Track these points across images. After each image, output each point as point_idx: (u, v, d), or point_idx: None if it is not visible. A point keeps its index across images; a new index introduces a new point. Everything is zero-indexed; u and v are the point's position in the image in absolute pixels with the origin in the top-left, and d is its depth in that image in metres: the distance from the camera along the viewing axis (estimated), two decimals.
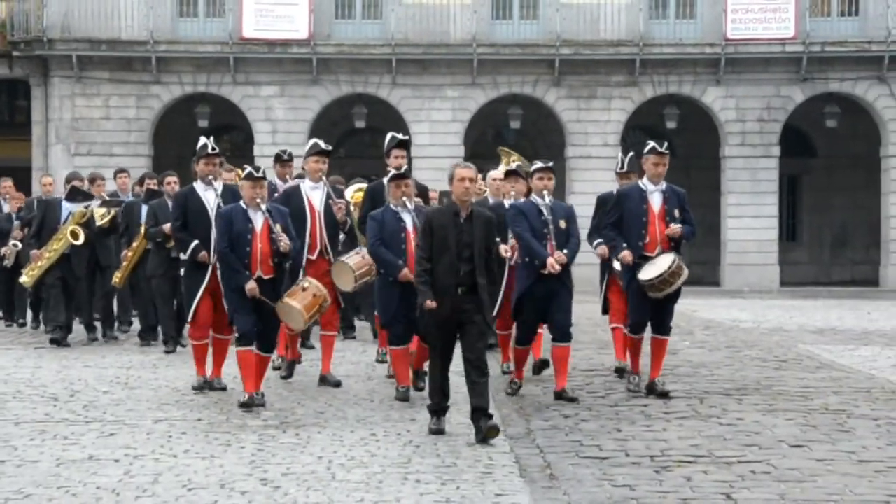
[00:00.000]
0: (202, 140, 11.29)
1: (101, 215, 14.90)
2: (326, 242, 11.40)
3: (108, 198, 15.50)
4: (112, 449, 8.49)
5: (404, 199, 10.46)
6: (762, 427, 9.39)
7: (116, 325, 15.83)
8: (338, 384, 11.35)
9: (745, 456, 8.34)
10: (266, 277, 10.17)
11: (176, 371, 12.45)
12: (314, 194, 11.42)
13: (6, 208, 17.44)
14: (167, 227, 13.05)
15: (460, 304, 8.89)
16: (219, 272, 10.60)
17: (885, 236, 30.66)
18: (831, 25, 30.30)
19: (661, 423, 9.60)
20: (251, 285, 10.02)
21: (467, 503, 7.01)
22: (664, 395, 10.66)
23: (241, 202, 10.32)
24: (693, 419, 9.77)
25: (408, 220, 10.43)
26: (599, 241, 11.91)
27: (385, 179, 11.07)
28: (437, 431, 8.99)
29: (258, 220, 10.18)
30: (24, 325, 17.07)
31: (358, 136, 32.39)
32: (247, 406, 9.99)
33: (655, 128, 31.40)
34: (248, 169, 10.44)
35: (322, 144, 11.55)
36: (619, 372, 11.90)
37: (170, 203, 13.16)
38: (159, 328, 14.73)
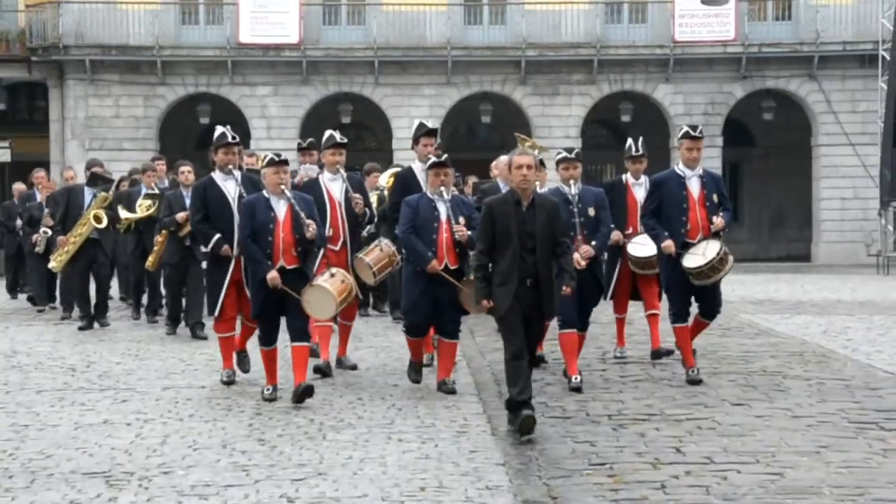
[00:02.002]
0: (219, 129, 9.93)
1: (147, 206, 13.92)
2: (348, 234, 10.12)
3: (156, 190, 14.16)
4: (124, 414, 8.47)
5: (442, 188, 9.10)
6: (707, 388, 9.41)
7: (143, 310, 14.71)
8: (353, 367, 10.30)
9: (692, 414, 8.36)
10: (290, 267, 8.84)
11: (181, 344, 12.40)
12: (333, 186, 10.15)
13: (38, 197, 16.70)
14: (181, 215, 12.24)
15: (526, 297, 7.76)
16: (242, 264, 9.39)
17: (815, 217, 30.78)
18: (767, 29, 30.32)
19: (617, 385, 9.61)
20: (272, 275, 8.70)
21: (445, 459, 7.01)
22: (696, 381, 9.43)
23: (264, 191, 8.99)
24: (646, 382, 9.79)
25: (442, 210, 9.08)
26: (611, 226, 10.24)
27: (416, 165, 10.14)
28: (528, 418, 7.52)
29: (281, 209, 8.85)
30: (54, 308, 16.00)
31: (344, 130, 31.64)
32: (272, 398, 8.77)
33: (612, 121, 31.46)
34: (270, 155, 9.14)
35: (338, 137, 10.26)
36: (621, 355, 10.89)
37: (184, 193, 12.49)
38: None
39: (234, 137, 9.77)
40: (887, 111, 26.88)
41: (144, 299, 14.73)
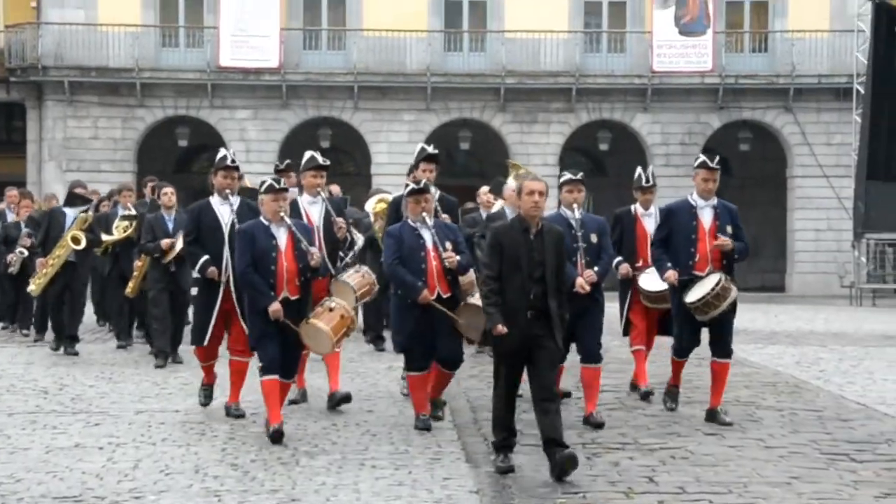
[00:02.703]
0: (221, 151, 9.65)
1: (124, 228, 13.71)
2: (326, 259, 9.42)
3: (132, 211, 13.94)
4: (97, 437, 8.40)
5: (424, 214, 8.69)
6: (681, 417, 9.42)
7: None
8: (347, 397, 9.63)
9: (665, 443, 8.37)
10: (293, 298, 8.38)
11: (154, 369, 12.30)
12: (312, 209, 9.64)
13: (10, 217, 16.25)
14: (165, 242, 12.16)
15: (531, 329, 7.36)
16: (233, 293, 9.09)
17: (790, 248, 30.97)
18: (744, 60, 30.57)
19: None
20: (275, 307, 8.24)
21: (418, 486, 6.98)
22: (724, 423, 8.95)
23: (262, 218, 8.55)
24: (620, 410, 9.79)
25: (427, 237, 8.64)
26: (619, 258, 10.11)
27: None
28: (506, 470, 7.35)
29: (282, 236, 8.42)
30: (26, 335, 15.36)
31: (323, 154, 31.76)
32: (277, 439, 8.17)
33: (589, 150, 31.57)
34: (268, 181, 8.66)
35: (319, 158, 9.81)
36: (645, 396, 10.21)
37: (165, 216, 12.46)
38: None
39: (233, 161, 9.48)
40: (861, 144, 27.11)
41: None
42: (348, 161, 32.63)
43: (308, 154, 9.91)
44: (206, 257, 9.26)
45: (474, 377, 11.40)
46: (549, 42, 29.84)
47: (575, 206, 9.07)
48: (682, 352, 9.43)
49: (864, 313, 23.19)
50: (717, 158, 9.39)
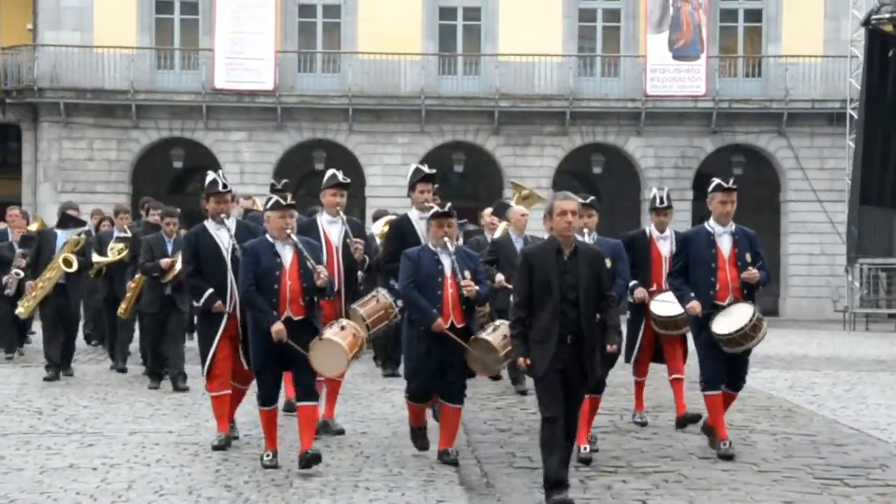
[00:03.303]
0: (210, 175, 9.06)
1: (119, 250, 13.61)
2: (343, 282, 9.28)
3: (128, 233, 13.83)
4: (90, 458, 8.40)
5: (446, 240, 8.25)
6: (674, 441, 9.43)
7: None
8: (340, 432, 9.40)
9: (659, 467, 8.37)
10: (296, 318, 8.07)
11: (148, 389, 12.30)
12: (332, 229, 9.36)
13: (10, 236, 15.90)
14: (165, 261, 11.90)
15: (566, 356, 7.02)
16: (238, 318, 8.72)
17: (783, 272, 31.00)
18: (737, 85, 30.70)
19: None
20: (277, 327, 7.92)
21: None
22: (728, 457, 8.61)
23: (268, 235, 8.25)
24: (614, 433, 9.80)
25: (447, 263, 8.22)
26: (635, 283, 9.82)
27: (412, 213, 9.35)
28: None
29: (287, 255, 8.11)
30: (22, 354, 15.47)
31: (318, 177, 31.93)
32: (271, 466, 8.01)
33: (583, 173, 31.64)
34: (274, 198, 8.30)
35: (340, 176, 9.40)
36: (643, 424, 10.10)
37: (165, 238, 12.21)
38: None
39: (224, 185, 8.99)
40: (854, 169, 27.22)
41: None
42: None
43: (329, 172, 9.55)
44: (210, 290, 8.81)
45: (468, 399, 11.38)
46: (543, 65, 29.96)
47: (586, 230, 8.77)
48: (711, 384, 8.84)
49: (857, 338, 23.21)
50: (732, 180, 9.12)
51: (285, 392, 9.45)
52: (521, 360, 7.07)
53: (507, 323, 8.17)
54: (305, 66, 30.35)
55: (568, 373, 7.03)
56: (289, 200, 8.27)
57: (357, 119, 30.00)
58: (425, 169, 9.60)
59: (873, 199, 27.07)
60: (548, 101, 30.16)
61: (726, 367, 8.84)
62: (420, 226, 9.05)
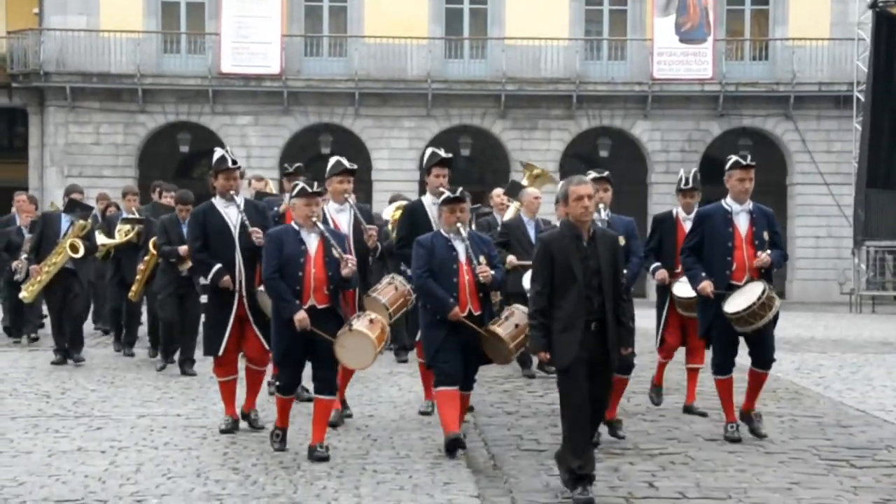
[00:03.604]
0: (219, 151, 9.00)
1: (126, 232, 13.48)
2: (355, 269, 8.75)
3: (136, 214, 13.71)
4: (99, 441, 8.42)
5: (458, 225, 8.11)
6: (681, 423, 9.45)
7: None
8: (348, 416, 9.33)
9: (665, 448, 8.38)
10: (320, 307, 7.88)
11: (157, 371, 12.33)
12: (340, 217, 9.08)
13: (18, 221, 15.71)
14: (183, 249, 11.36)
15: (592, 344, 6.80)
16: (245, 298, 8.67)
17: (790, 255, 30.88)
18: (744, 68, 30.64)
19: None
20: (300, 315, 7.75)
21: (419, 490, 7.00)
22: (759, 434, 8.66)
23: (293, 222, 8.08)
24: (620, 416, 9.79)
25: (461, 249, 8.07)
26: (657, 264, 9.68)
27: (426, 198, 9.24)
28: (587, 502, 6.66)
29: (312, 243, 7.93)
30: (36, 339, 15.33)
31: (324, 161, 31.90)
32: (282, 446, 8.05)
33: (590, 156, 31.57)
34: (301, 184, 8.06)
35: (346, 163, 9.14)
36: (656, 395, 10.06)
37: (180, 220, 11.88)
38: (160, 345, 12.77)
39: (234, 162, 8.89)
40: (861, 152, 27.16)
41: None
42: None
43: (334, 159, 9.30)
44: (218, 266, 8.68)
45: (474, 381, 11.41)
46: (550, 49, 29.90)
47: (601, 206, 8.48)
48: (723, 368, 8.71)
49: (863, 320, 23.21)
50: (749, 157, 8.70)
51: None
52: (541, 354, 6.87)
53: (521, 308, 8.10)
54: (312, 50, 30.33)
55: (593, 360, 6.82)
56: (315, 187, 8.05)
57: (363, 103, 29.99)
58: (442, 153, 9.36)
59: (880, 182, 27.01)
60: (554, 85, 30.12)
61: (737, 350, 8.68)
62: (433, 211, 8.90)
